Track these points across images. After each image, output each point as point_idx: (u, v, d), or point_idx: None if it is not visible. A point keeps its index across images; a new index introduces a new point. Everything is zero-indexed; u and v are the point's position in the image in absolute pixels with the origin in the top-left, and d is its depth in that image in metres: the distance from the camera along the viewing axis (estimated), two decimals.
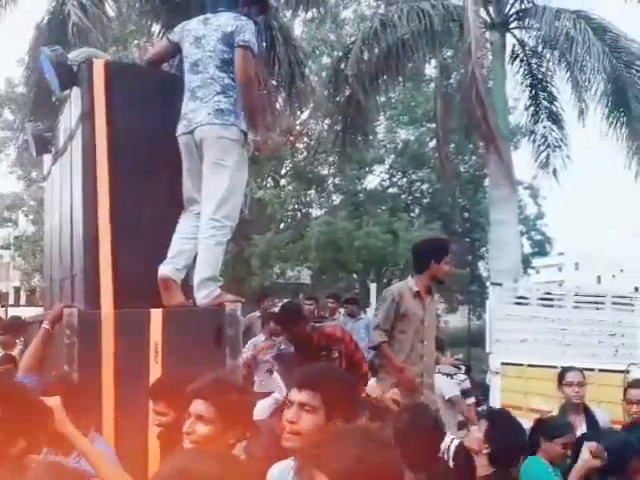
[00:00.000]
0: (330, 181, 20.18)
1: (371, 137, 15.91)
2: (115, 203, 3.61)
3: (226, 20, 3.64)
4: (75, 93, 3.83)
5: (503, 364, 6.29)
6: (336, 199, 20.43)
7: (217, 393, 2.27)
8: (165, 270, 3.59)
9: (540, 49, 12.18)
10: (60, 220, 4.21)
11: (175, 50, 3.91)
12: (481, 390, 6.42)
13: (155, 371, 3.28)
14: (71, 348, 3.18)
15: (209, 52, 3.64)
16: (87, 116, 3.64)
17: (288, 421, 2.05)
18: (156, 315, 3.37)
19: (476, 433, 3.40)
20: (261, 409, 5.75)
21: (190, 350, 3.26)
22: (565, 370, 4.73)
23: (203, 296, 3.56)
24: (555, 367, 5.00)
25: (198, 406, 2.23)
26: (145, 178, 3.67)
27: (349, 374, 2.32)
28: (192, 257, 3.67)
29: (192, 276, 3.65)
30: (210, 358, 3.30)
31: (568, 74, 11.44)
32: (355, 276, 19.26)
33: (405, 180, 20.61)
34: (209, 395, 2.24)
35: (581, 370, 4.80)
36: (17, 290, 16.75)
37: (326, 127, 13.52)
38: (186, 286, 3.67)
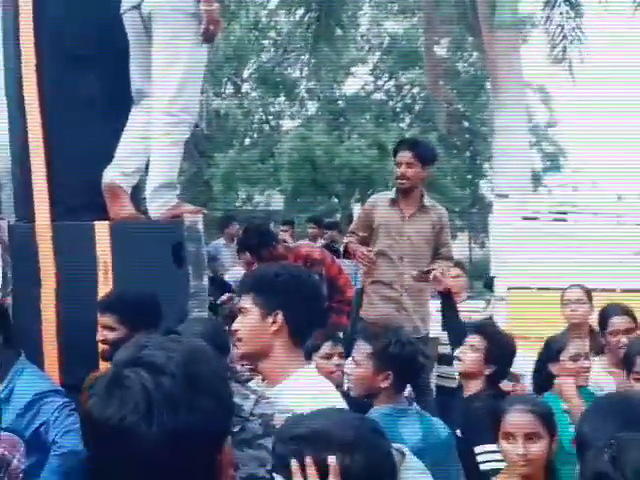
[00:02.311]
0: (303, 86, 19.80)
1: (352, 31, 15.68)
2: (46, 99, 3.56)
3: None
4: None
5: (510, 289, 6.39)
6: (311, 107, 20.14)
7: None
8: (111, 176, 3.56)
9: None
10: None
11: None
12: None
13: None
14: (3, 267, 3.19)
15: None
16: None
17: (233, 331, 2.27)
18: (102, 229, 3.38)
19: (470, 353, 3.52)
20: None
21: (146, 270, 3.27)
22: (567, 289, 4.85)
23: (157, 206, 3.56)
24: (589, 290, 5.06)
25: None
26: (83, 67, 3.61)
27: (283, 270, 2.43)
28: (144, 160, 3.65)
29: (144, 183, 3.65)
30: (171, 279, 3.34)
31: None
32: (336, 200, 19.26)
33: (393, 83, 20.36)
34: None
35: (585, 288, 4.89)
36: None
37: (297, 18, 13.18)
38: (137, 195, 3.67)
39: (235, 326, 2.26)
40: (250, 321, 2.21)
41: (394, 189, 4.90)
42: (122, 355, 1.28)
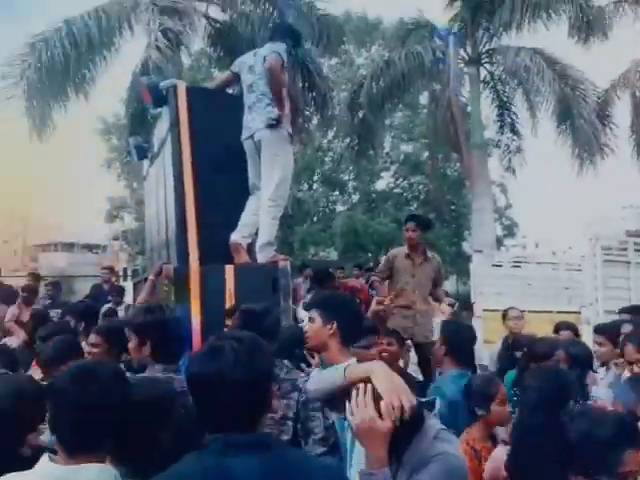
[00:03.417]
0: (350, 184, 20.00)
1: (380, 151, 15.79)
2: (198, 190, 3.66)
3: (267, 48, 3.67)
4: (165, 110, 3.88)
5: (484, 310, 6.22)
6: (355, 198, 20.22)
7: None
8: (235, 237, 3.64)
9: (505, 78, 11.95)
10: (157, 205, 4.28)
11: (235, 79, 3.91)
12: None
13: None
14: (169, 293, 3.24)
15: (258, 75, 3.65)
16: (174, 127, 3.69)
17: (304, 333, 2.20)
18: (229, 269, 3.43)
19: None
20: None
21: (254, 294, 3.29)
22: (507, 309, 4.63)
23: (263, 256, 3.62)
24: (522, 311, 4.87)
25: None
26: (220, 171, 3.71)
27: (338, 295, 2.43)
28: (255, 228, 3.69)
29: (255, 241, 3.70)
30: (268, 300, 3.33)
31: (525, 96, 11.29)
32: (370, 254, 19.18)
33: (406, 183, 20.26)
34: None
35: (519, 309, 4.64)
36: (125, 270, 17.09)
37: (346, 144, 13.39)
38: (250, 249, 3.71)
39: (305, 329, 2.22)
40: (315, 326, 2.15)
41: (406, 246, 4.76)
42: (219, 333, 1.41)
